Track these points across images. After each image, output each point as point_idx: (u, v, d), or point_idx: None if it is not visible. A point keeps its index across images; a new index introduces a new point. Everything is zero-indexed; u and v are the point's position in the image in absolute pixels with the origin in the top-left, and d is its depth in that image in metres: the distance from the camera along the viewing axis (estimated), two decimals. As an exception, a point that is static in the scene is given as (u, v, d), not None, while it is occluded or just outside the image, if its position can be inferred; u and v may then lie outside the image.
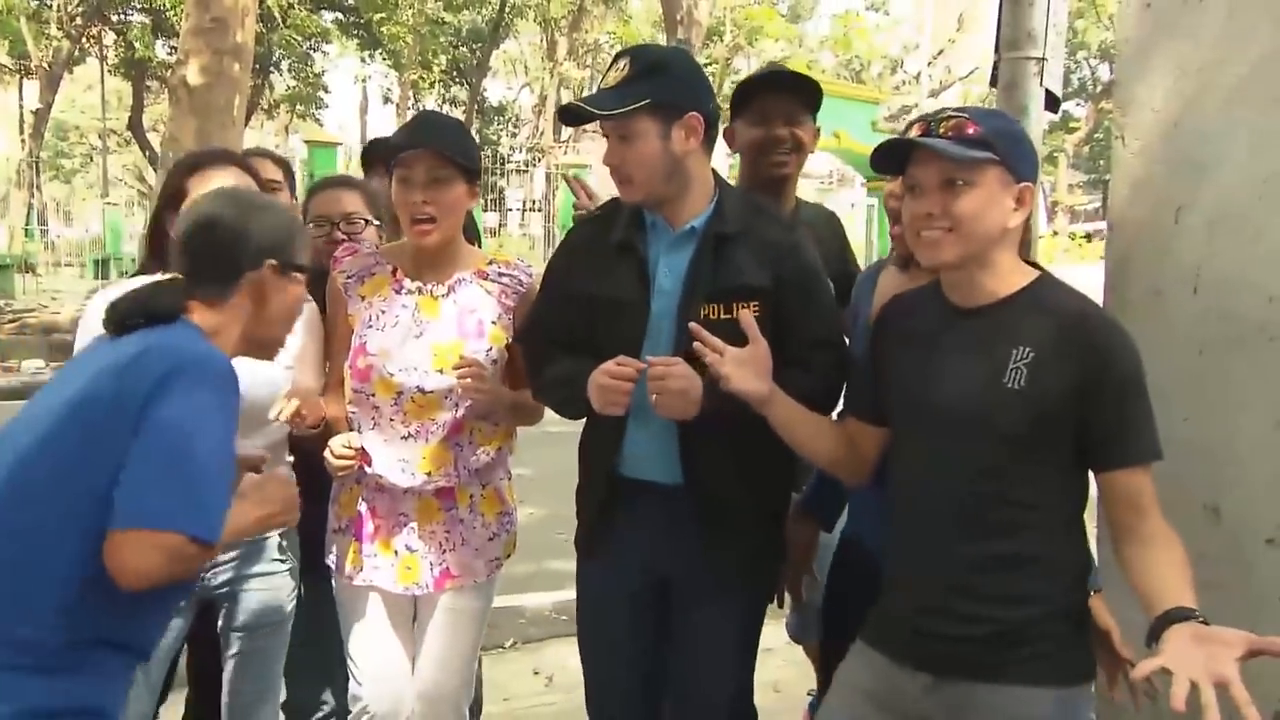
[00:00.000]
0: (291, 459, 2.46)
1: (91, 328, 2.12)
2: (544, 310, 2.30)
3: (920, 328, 1.84)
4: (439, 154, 2.22)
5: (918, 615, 1.78)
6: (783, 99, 2.63)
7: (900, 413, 1.87)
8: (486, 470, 2.40)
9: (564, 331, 2.20)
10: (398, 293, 2.33)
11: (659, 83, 2.04)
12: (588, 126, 2.28)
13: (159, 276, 1.84)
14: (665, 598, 2.22)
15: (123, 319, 1.67)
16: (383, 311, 2.31)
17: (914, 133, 1.75)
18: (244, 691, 2.35)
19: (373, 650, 2.39)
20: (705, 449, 2.10)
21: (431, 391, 2.27)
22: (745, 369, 1.91)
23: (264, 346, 1.87)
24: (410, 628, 2.44)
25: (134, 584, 1.49)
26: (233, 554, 2.29)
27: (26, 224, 20.27)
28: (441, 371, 2.26)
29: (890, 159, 1.79)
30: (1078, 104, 33.34)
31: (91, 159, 40.69)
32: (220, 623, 2.35)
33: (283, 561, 2.38)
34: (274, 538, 2.35)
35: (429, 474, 2.29)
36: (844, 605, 2.33)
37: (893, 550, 1.87)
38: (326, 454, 2.22)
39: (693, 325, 1.94)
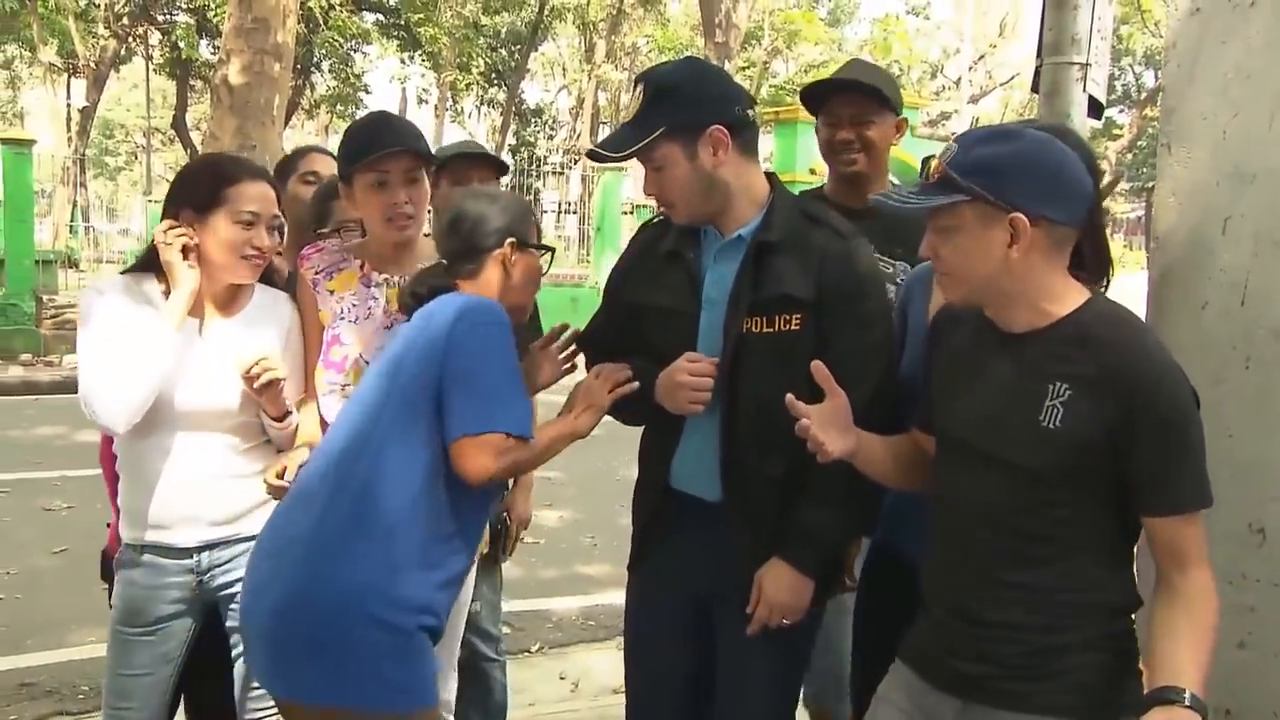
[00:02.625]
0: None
1: (112, 302, 2.22)
2: (603, 318, 2.32)
3: (965, 348, 1.78)
4: (414, 154, 2.32)
5: (948, 638, 1.74)
6: (848, 101, 2.64)
7: (939, 435, 1.82)
8: None
9: (621, 339, 2.20)
10: (367, 286, 2.39)
11: (671, 106, 2.02)
12: None
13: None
14: (709, 613, 2.19)
15: (414, 300, 2.13)
16: (354, 304, 2.38)
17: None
18: (255, 692, 2.33)
19: None
20: (745, 466, 2.08)
21: None
22: (832, 429, 1.85)
23: (514, 311, 2.13)
24: None
25: (478, 480, 1.94)
26: (229, 553, 2.29)
27: (71, 220, 20.58)
28: None
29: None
30: (1121, 111, 32.89)
31: (136, 157, 41.28)
32: (227, 623, 2.34)
33: None
34: None
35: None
36: (875, 614, 2.30)
37: (927, 568, 1.83)
38: (265, 475, 2.26)
39: (788, 398, 1.85)
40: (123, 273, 2.36)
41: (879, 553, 2.30)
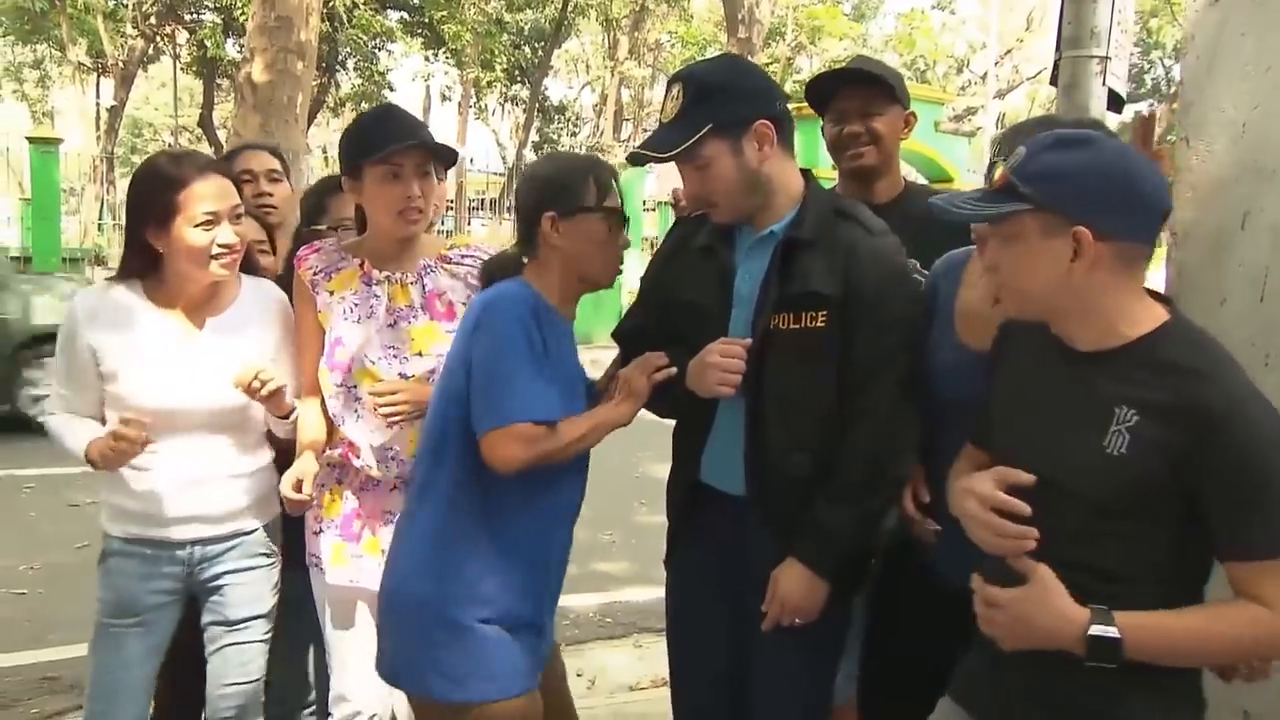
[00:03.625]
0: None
1: (81, 323, 2.21)
2: (638, 311, 2.31)
3: (1028, 365, 1.66)
4: (426, 148, 2.28)
5: (1006, 683, 1.62)
6: (854, 94, 2.59)
7: (997, 457, 1.67)
8: None
9: (656, 333, 2.19)
10: (368, 284, 2.36)
11: (716, 103, 2.00)
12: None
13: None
14: (742, 605, 2.16)
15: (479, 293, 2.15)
16: (355, 304, 2.35)
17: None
18: (227, 688, 2.35)
19: (359, 651, 2.36)
20: (769, 462, 2.06)
21: (413, 376, 2.29)
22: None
23: (587, 281, 2.14)
24: None
25: (507, 471, 1.95)
26: (222, 547, 2.31)
27: (99, 218, 20.80)
28: (421, 355, 2.30)
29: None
30: (1151, 105, 32.54)
31: (164, 155, 41.54)
32: (204, 618, 2.35)
33: (267, 556, 2.38)
34: (259, 532, 2.36)
35: (415, 456, 2.29)
36: (894, 605, 2.22)
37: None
38: (282, 489, 2.26)
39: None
40: (109, 279, 2.33)
41: (899, 559, 2.20)
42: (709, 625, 2.23)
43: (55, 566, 5.09)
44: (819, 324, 2.01)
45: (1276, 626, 1.42)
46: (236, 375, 2.18)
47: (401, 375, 2.29)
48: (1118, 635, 1.41)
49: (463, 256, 2.43)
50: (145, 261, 2.25)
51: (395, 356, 2.30)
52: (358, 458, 2.32)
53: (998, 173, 1.57)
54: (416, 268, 2.39)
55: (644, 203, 15.96)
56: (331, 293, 2.36)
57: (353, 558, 2.34)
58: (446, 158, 2.36)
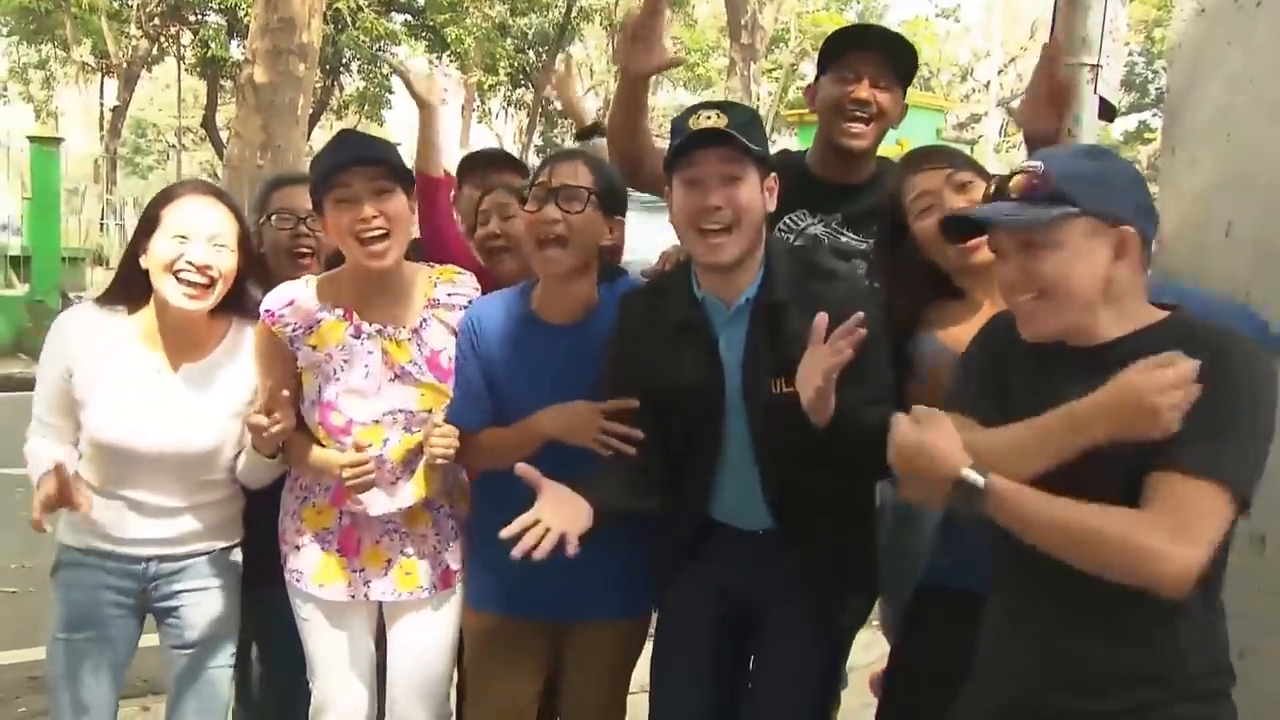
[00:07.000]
0: None
1: (61, 344, 2.20)
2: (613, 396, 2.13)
3: (1037, 366, 1.62)
4: (378, 164, 2.11)
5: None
6: (872, 59, 2.46)
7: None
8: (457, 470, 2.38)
9: (633, 424, 2.09)
10: (357, 338, 2.20)
11: (758, 139, 1.96)
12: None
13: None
14: (746, 629, 2.14)
15: None
16: (345, 361, 2.20)
17: (988, 193, 1.65)
18: (187, 711, 2.32)
19: (341, 661, 2.35)
20: (796, 502, 2.04)
21: (418, 430, 2.22)
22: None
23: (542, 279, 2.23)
24: (372, 636, 2.41)
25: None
26: (179, 565, 2.27)
27: (101, 218, 20.84)
28: (430, 411, 2.22)
29: (965, 226, 1.66)
30: (1154, 114, 32.49)
31: (168, 156, 41.66)
32: (161, 640, 2.33)
33: (228, 575, 2.34)
34: (219, 552, 2.32)
35: (423, 495, 2.27)
36: (918, 669, 2.12)
37: (989, 637, 1.67)
38: (345, 471, 2.16)
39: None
40: (97, 300, 2.28)
41: (925, 597, 2.15)
42: (714, 652, 2.17)
43: (45, 567, 5.05)
44: None
45: (1142, 525, 1.40)
46: (258, 420, 2.11)
47: (407, 430, 2.21)
48: (982, 483, 1.45)
49: (450, 295, 2.28)
50: (134, 285, 2.20)
51: (403, 412, 2.22)
52: (359, 504, 2.24)
53: (1016, 182, 1.57)
54: (410, 320, 2.23)
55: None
56: (315, 347, 2.21)
57: (350, 571, 2.29)
58: (403, 177, 2.18)
